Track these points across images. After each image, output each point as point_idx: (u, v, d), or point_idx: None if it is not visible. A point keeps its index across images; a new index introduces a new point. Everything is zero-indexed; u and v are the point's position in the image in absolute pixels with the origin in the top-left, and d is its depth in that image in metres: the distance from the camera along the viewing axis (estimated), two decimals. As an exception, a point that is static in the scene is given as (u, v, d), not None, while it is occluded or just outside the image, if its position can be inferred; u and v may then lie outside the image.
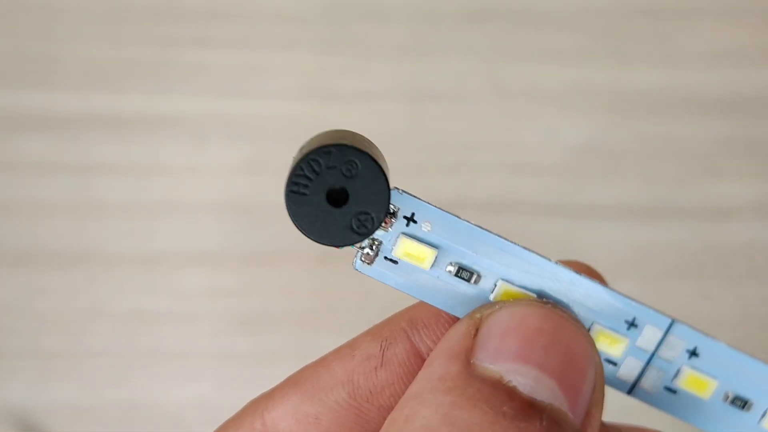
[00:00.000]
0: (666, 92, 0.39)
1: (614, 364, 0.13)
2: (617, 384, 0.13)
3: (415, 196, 0.12)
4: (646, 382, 0.13)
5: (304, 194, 0.12)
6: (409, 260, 0.12)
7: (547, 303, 0.12)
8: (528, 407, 0.10)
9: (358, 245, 0.12)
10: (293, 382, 0.15)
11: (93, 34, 0.39)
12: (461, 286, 0.12)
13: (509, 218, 0.37)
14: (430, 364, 0.11)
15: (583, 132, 0.38)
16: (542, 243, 0.37)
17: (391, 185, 0.12)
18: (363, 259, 0.12)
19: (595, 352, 0.12)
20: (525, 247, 0.13)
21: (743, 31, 0.40)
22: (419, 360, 0.14)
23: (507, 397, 0.10)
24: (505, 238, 0.13)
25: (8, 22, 0.39)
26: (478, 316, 0.12)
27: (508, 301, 0.12)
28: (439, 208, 0.13)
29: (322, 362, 0.14)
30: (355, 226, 0.11)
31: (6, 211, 0.36)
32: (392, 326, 0.14)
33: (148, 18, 0.39)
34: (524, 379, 0.11)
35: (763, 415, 0.13)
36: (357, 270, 0.12)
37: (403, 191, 0.12)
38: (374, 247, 0.12)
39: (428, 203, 0.13)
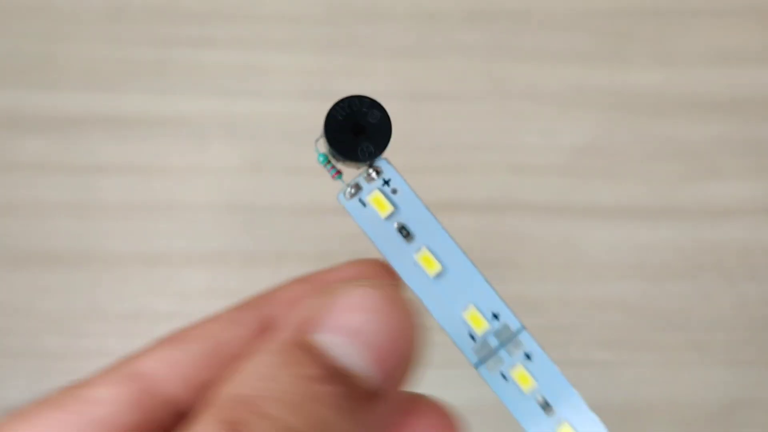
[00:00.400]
0: (665, 92, 0.39)
1: (474, 339, 0.17)
2: (470, 356, 0.17)
3: (396, 169, 0.17)
4: (490, 364, 0.17)
5: (338, 118, 0.17)
6: (375, 206, 0.17)
7: (385, 285, 0.14)
8: (333, 373, 0.13)
9: (346, 185, 0.17)
10: (166, 336, 0.17)
11: (94, 34, 0.39)
12: (397, 238, 0.17)
13: (509, 218, 0.37)
14: (274, 329, 0.15)
15: (583, 132, 0.38)
16: (542, 243, 0.37)
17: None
18: (346, 195, 0.17)
19: (412, 335, 0.14)
20: (446, 231, 0.17)
21: (743, 31, 0.40)
22: (265, 327, 0.17)
23: (315, 362, 0.13)
24: (438, 221, 0.17)
25: (9, 22, 0.39)
26: (319, 298, 0.14)
27: (351, 282, 0.14)
28: (408, 186, 0.17)
29: (197, 323, 0.17)
30: (359, 152, 0.17)
31: (7, 211, 0.36)
32: (254, 300, 0.18)
33: (149, 19, 0.39)
34: (338, 349, 0.13)
35: (559, 423, 0.17)
36: (338, 200, 0.17)
37: (389, 163, 0.17)
38: (356, 189, 0.17)
39: (403, 178, 0.17)
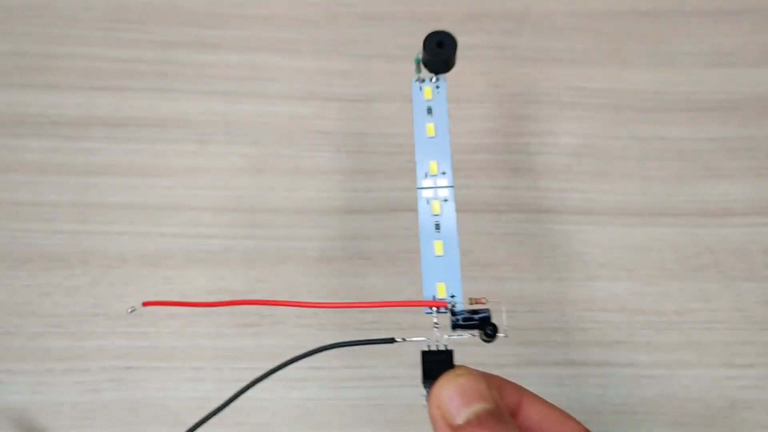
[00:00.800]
0: (663, 93, 0.39)
1: (426, 177, 0.29)
2: (419, 181, 0.30)
3: (446, 84, 0.30)
4: (424, 192, 0.29)
5: (432, 43, 0.29)
6: (424, 93, 0.30)
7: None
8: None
9: (418, 76, 0.30)
10: None
11: (95, 36, 0.39)
12: (425, 111, 0.30)
13: (508, 218, 0.37)
14: None
15: (581, 133, 0.38)
16: (540, 243, 0.37)
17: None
18: (416, 80, 0.30)
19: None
20: (447, 113, 0.30)
21: (740, 32, 0.40)
22: None
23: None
24: (446, 109, 0.30)
25: (11, 24, 0.39)
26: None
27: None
28: (445, 93, 0.30)
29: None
30: (433, 66, 0.29)
31: (9, 211, 0.36)
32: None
33: (150, 20, 0.39)
34: None
35: (436, 239, 0.29)
36: (412, 80, 0.29)
37: (445, 80, 0.30)
38: (421, 80, 0.30)
39: (445, 89, 0.30)
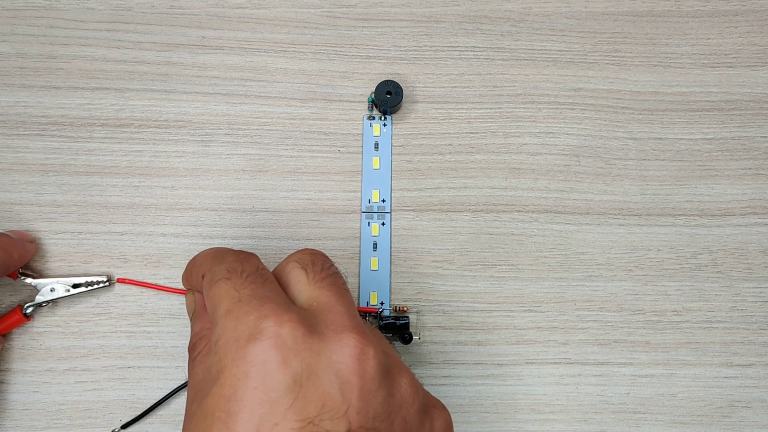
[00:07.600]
0: (660, 94, 0.39)
1: (369, 203, 0.36)
2: (363, 207, 0.36)
3: (392, 122, 0.37)
4: (367, 215, 0.36)
5: (382, 87, 0.37)
6: (373, 128, 0.37)
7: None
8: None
9: (370, 114, 0.37)
10: None
11: (97, 37, 0.39)
12: (373, 146, 0.37)
13: (507, 218, 0.37)
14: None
15: (579, 134, 0.38)
16: (539, 243, 0.37)
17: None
18: (367, 117, 0.37)
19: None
20: (391, 149, 0.37)
21: (736, 33, 0.40)
22: None
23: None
24: (391, 152, 0.37)
25: (14, 25, 0.39)
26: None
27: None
28: (391, 130, 0.37)
29: None
30: (382, 107, 0.36)
31: (10, 212, 0.36)
32: None
33: (152, 21, 0.39)
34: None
35: (374, 257, 0.35)
36: (364, 117, 0.37)
37: (392, 118, 0.37)
38: (371, 118, 0.37)
39: (392, 126, 0.37)
